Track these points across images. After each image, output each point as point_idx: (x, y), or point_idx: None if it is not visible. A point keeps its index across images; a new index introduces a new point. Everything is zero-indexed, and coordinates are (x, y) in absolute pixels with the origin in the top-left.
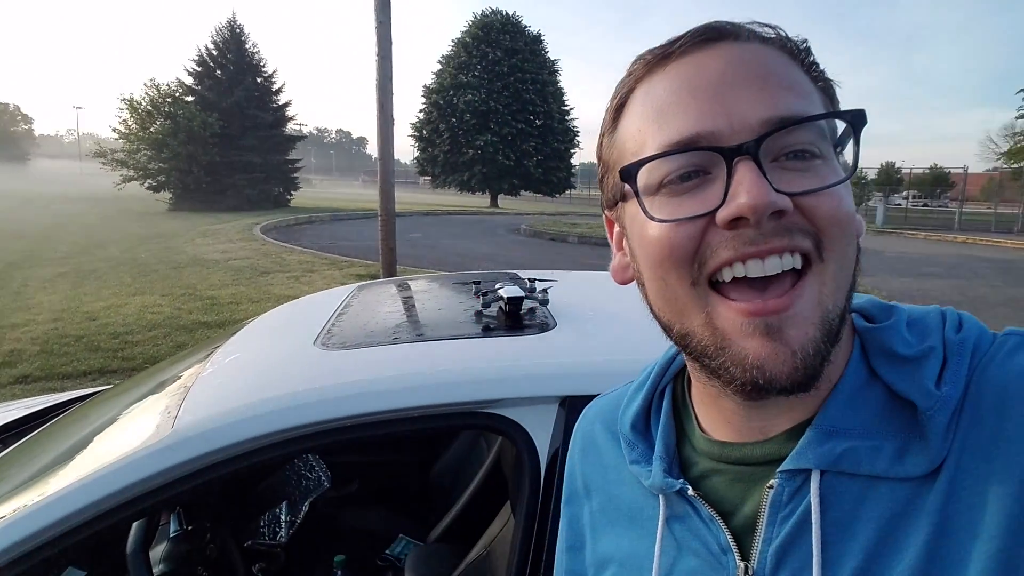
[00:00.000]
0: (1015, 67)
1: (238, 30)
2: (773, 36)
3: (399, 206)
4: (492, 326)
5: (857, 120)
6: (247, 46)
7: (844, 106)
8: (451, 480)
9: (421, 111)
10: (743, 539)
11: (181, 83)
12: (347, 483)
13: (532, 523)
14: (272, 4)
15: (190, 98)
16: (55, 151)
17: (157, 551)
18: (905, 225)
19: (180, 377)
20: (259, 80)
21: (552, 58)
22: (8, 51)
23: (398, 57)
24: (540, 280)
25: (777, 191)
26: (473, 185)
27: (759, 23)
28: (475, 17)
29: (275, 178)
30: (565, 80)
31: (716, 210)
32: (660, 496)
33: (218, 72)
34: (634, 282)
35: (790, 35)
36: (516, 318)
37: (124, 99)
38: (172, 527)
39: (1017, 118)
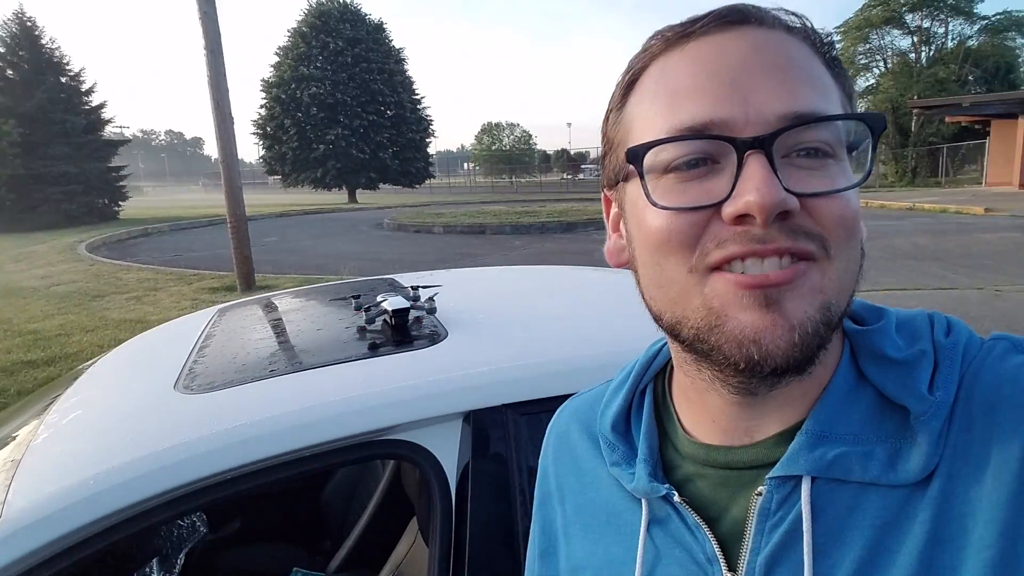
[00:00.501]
0: None
1: (29, 23)
2: (799, 26)
3: (249, 208)
4: (379, 343)
5: (875, 124)
6: (43, 42)
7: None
8: (344, 504)
9: (262, 107)
10: (729, 548)
11: None
12: (227, 523)
13: (448, 548)
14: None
15: None
16: None
17: None
18: None
19: (7, 445)
20: (63, 80)
21: (397, 47)
22: None
23: (230, 50)
24: (424, 287)
25: (787, 190)
26: (328, 181)
27: (785, 11)
28: (310, 6)
29: (97, 188)
30: (412, 69)
31: (721, 202)
32: (642, 500)
33: (9, 72)
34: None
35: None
36: (404, 332)
37: None
38: None
39: None
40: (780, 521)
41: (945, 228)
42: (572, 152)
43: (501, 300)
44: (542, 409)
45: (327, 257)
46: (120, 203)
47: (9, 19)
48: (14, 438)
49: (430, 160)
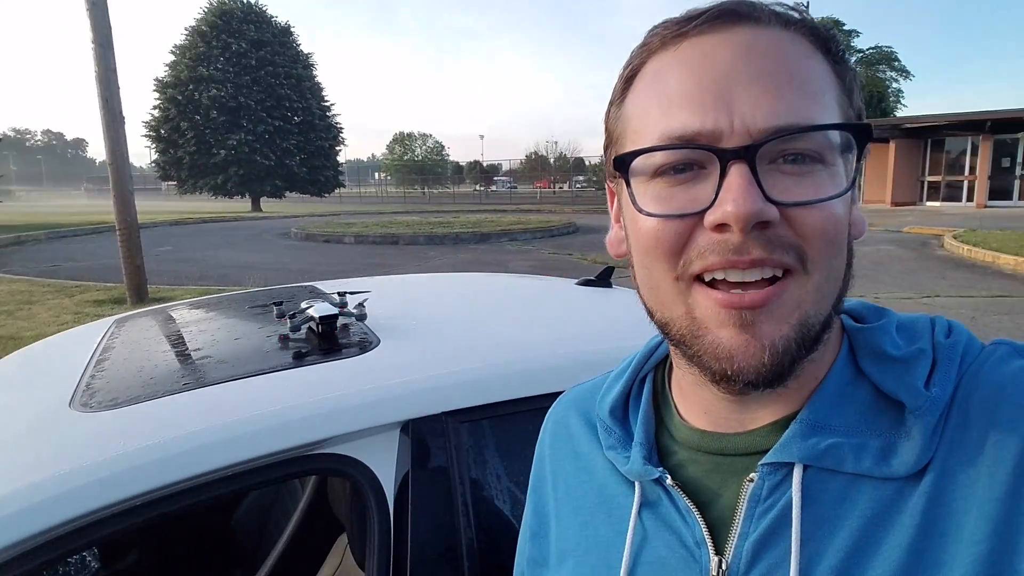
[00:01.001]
0: None
1: None
2: (797, 19)
3: (140, 216)
4: (305, 352)
5: (861, 134)
6: None
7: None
8: (258, 528)
9: (156, 107)
10: (718, 532)
11: None
12: (121, 556)
13: (387, 567)
14: None
15: None
16: None
17: None
18: None
19: None
20: None
21: (305, 51)
22: None
23: (121, 44)
24: (351, 292)
25: (768, 198)
26: (230, 189)
27: (783, 5)
28: (211, 4)
29: None
30: (322, 75)
31: (705, 210)
32: (636, 484)
33: None
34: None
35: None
36: (332, 340)
37: None
38: None
39: None
40: (770, 507)
41: None
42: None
43: (433, 306)
44: (484, 415)
45: (229, 267)
46: None
47: None
48: None
49: (340, 169)
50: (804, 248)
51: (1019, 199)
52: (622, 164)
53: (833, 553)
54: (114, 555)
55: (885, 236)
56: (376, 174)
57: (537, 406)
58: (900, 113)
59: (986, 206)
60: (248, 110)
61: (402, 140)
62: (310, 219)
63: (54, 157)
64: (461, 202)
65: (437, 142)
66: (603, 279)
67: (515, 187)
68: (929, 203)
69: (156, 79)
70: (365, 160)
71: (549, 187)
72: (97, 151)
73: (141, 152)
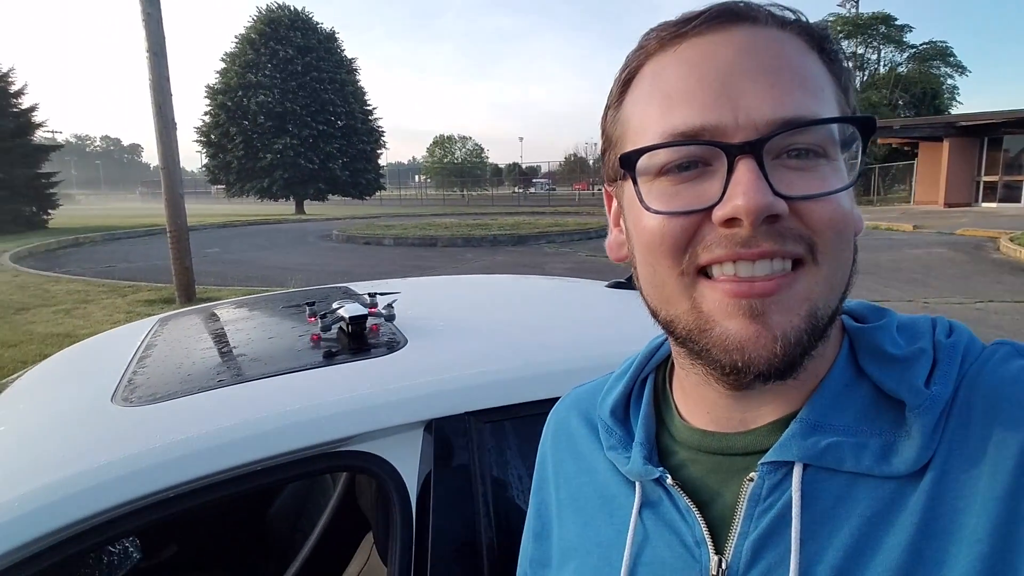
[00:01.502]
0: None
1: None
2: (793, 20)
3: (190, 219)
4: (335, 351)
5: (865, 127)
6: None
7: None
8: (292, 524)
9: (207, 114)
10: (718, 532)
11: None
12: (162, 548)
13: (408, 564)
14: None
15: None
16: None
17: None
18: None
19: None
20: None
21: (349, 56)
22: None
23: (174, 53)
24: (381, 293)
25: (776, 193)
26: (275, 192)
27: (779, 6)
28: (260, 12)
29: (24, 196)
30: (364, 79)
31: (712, 206)
32: (636, 484)
33: None
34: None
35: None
36: (361, 339)
37: None
38: None
39: None
40: (770, 507)
41: (877, 244)
42: (524, 166)
43: (460, 308)
44: (506, 416)
45: (273, 268)
46: (50, 211)
47: None
48: None
49: (381, 172)
50: (814, 239)
51: None
52: (628, 162)
53: (833, 552)
54: (155, 546)
55: (937, 238)
56: (416, 176)
57: None
58: (955, 110)
59: None
60: (294, 115)
61: (442, 143)
62: (351, 221)
63: (111, 162)
64: (500, 204)
65: (477, 144)
66: (633, 282)
67: (553, 189)
68: (985, 204)
69: (207, 86)
70: (406, 163)
71: (587, 189)
72: (151, 156)
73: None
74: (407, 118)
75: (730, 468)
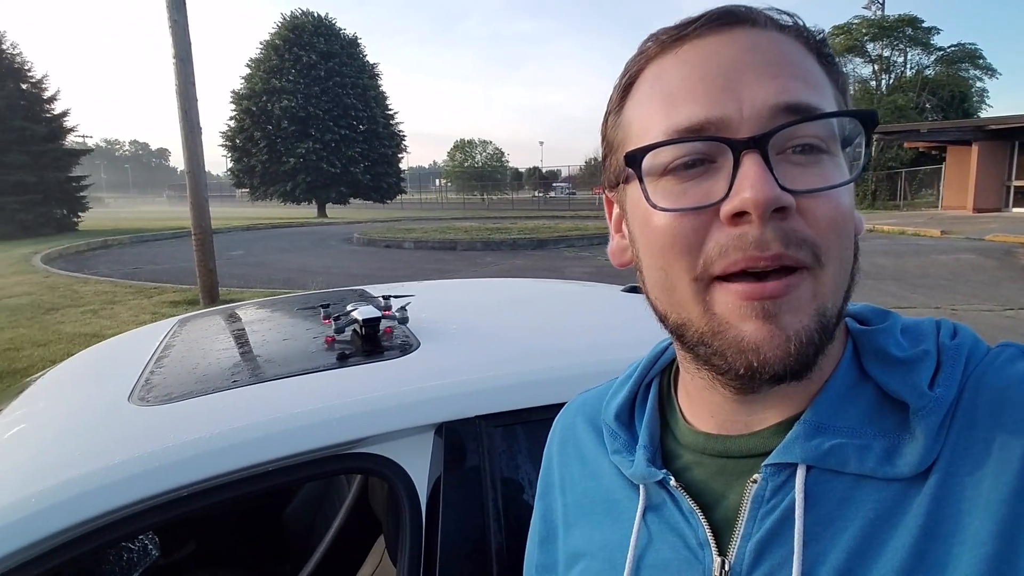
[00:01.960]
0: None
1: None
2: (790, 24)
3: (215, 222)
4: (348, 353)
5: (868, 120)
6: (4, 47)
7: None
8: (308, 523)
9: (232, 118)
10: (721, 533)
11: None
12: (180, 545)
13: (417, 566)
14: (39, 2)
15: None
16: None
17: None
18: None
19: None
20: (24, 87)
21: (371, 61)
22: None
23: (200, 60)
24: (395, 296)
25: (782, 187)
26: (297, 195)
27: (777, 10)
28: (284, 18)
29: (56, 199)
30: (386, 84)
31: (719, 202)
32: (640, 487)
33: None
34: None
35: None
36: (374, 342)
37: None
38: None
39: None
40: (773, 508)
41: (904, 249)
42: (544, 170)
43: (474, 311)
44: (517, 420)
45: (295, 271)
46: (80, 214)
47: None
48: None
49: (402, 175)
50: (817, 242)
51: None
52: (633, 160)
53: (836, 554)
54: (173, 544)
55: (965, 244)
56: (437, 180)
57: None
58: (984, 114)
59: None
60: (316, 120)
61: (463, 147)
62: (372, 225)
63: (140, 166)
64: (520, 208)
65: (497, 148)
66: None
67: (574, 193)
68: (1016, 209)
69: (233, 91)
70: (427, 167)
71: None
72: (178, 160)
73: (218, 160)
74: (428, 122)
75: (734, 470)
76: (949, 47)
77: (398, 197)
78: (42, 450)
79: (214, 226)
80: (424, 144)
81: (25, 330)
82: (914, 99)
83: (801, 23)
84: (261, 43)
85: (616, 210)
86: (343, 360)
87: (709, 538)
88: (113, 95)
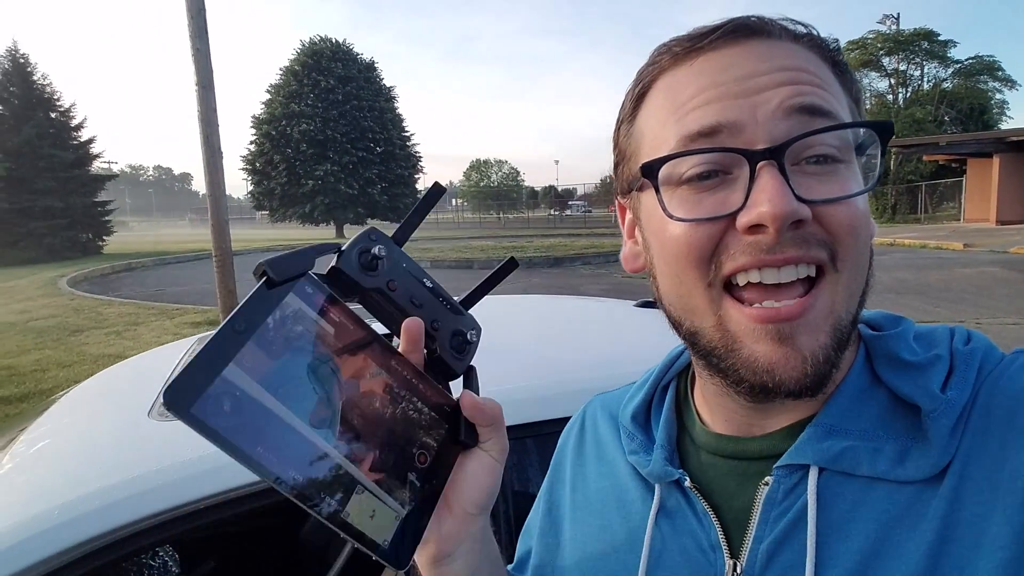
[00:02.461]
0: None
1: (22, 60)
2: (804, 34)
3: (236, 244)
4: None
5: (883, 131)
6: (35, 78)
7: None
8: (324, 541)
9: (252, 142)
10: (733, 535)
11: None
12: (201, 562)
13: None
14: (69, 33)
15: None
16: None
17: None
18: None
19: None
20: (53, 115)
21: (387, 84)
22: None
23: (221, 85)
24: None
25: (798, 199)
26: (316, 217)
27: (791, 20)
28: (303, 45)
29: (82, 223)
30: (402, 106)
31: (735, 212)
32: (656, 487)
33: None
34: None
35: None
36: None
37: None
38: None
39: None
40: (785, 510)
41: (925, 263)
42: (559, 188)
43: (485, 326)
44: (527, 434)
45: None
46: (105, 238)
47: (3, 56)
48: None
49: (418, 196)
50: (835, 245)
51: None
52: (650, 171)
53: (849, 556)
54: (192, 562)
55: (989, 257)
56: (453, 200)
57: None
58: (1005, 125)
59: None
60: (334, 142)
61: (478, 167)
62: None
63: (163, 190)
64: (536, 227)
65: (513, 168)
66: None
67: (590, 211)
68: None
69: (253, 116)
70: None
71: None
72: (200, 184)
73: (239, 184)
74: (444, 143)
75: (746, 472)
76: (967, 59)
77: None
78: (66, 463)
79: (234, 248)
80: (440, 164)
81: (51, 351)
82: (932, 112)
83: (815, 33)
84: (281, 69)
85: (629, 216)
86: None
87: (721, 540)
88: (138, 122)
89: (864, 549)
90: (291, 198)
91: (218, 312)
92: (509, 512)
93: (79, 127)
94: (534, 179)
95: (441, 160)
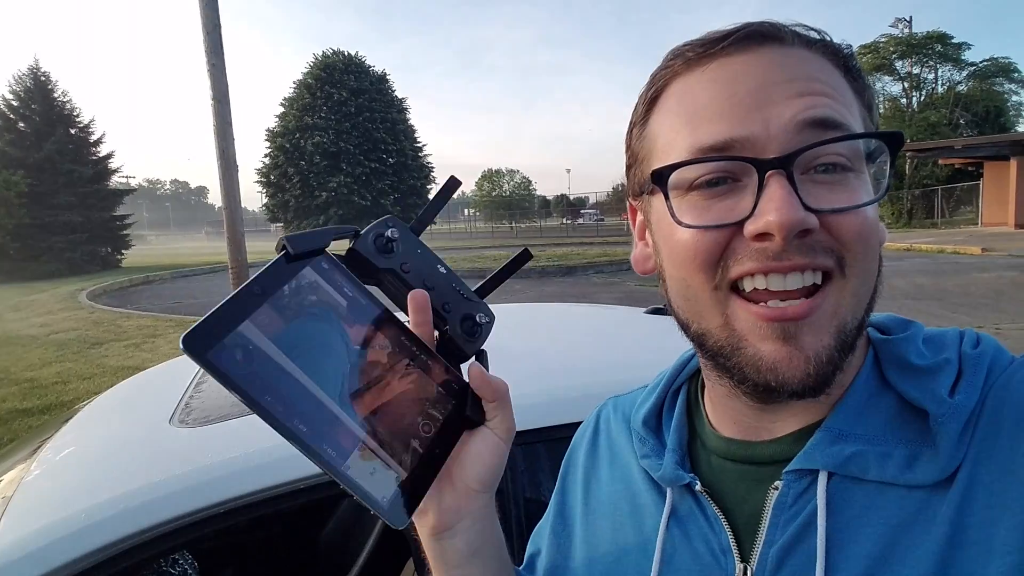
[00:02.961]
0: None
1: (43, 78)
2: (817, 40)
3: (251, 256)
4: None
5: (893, 142)
6: (55, 95)
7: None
8: (342, 546)
9: (266, 156)
10: (744, 539)
11: None
12: (219, 570)
13: None
14: (87, 50)
15: None
16: None
17: None
18: None
19: None
20: (72, 131)
21: (399, 96)
22: None
23: (236, 100)
24: None
25: (807, 207)
26: None
27: (804, 26)
28: (316, 58)
29: (101, 237)
30: (414, 117)
31: (743, 220)
32: (667, 490)
33: (21, 125)
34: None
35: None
36: None
37: None
38: None
39: None
40: (795, 515)
41: (943, 268)
42: (571, 197)
43: (497, 333)
44: (539, 439)
45: None
46: (123, 251)
47: (24, 74)
48: (7, 475)
49: None
50: (843, 252)
51: None
52: (660, 177)
53: (858, 561)
54: (211, 568)
55: (1008, 261)
56: (465, 210)
57: None
58: (1022, 128)
59: None
60: (347, 154)
61: (490, 176)
62: None
63: (180, 204)
64: (548, 235)
65: (524, 177)
66: None
67: (602, 219)
68: None
69: (267, 130)
70: (455, 197)
71: None
72: (216, 197)
73: (254, 197)
74: (456, 153)
75: (756, 476)
76: (981, 62)
77: (428, 228)
78: (90, 471)
79: (250, 260)
80: (452, 174)
81: (72, 364)
82: (947, 115)
83: (828, 38)
84: (294, 82)
85: (640, 218)
86: None
87: (732, 544)
88: (156, 136)
89: (873, 554)
90: (305, 210)
91: None
92: (521, 518)
93: (98, 143)
94: (546, 188)
95: (453, 170)
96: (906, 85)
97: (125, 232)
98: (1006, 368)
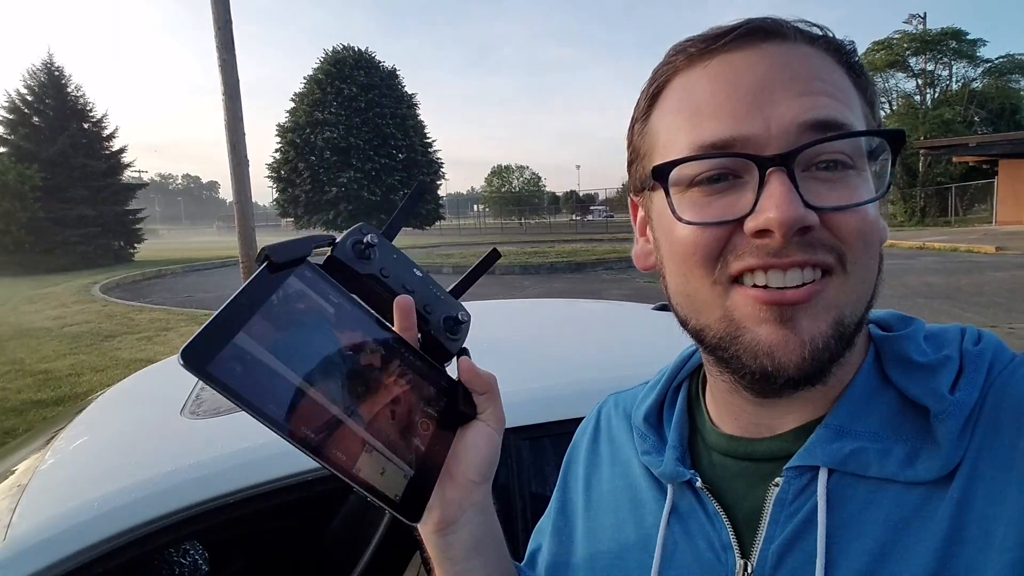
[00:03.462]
0: None
1: (56, 72)
2: (820, 36)
3: None
4: None
5: (896, 140)
6: (69, 89)
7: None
8: (350, 538)
9: (277, 151)
10: (744, 536)
11: None
12: (229, 562)
13: None
14: (101, 46)
15: (1, 149)
16: None
17: None
18: None
19: (12, 473)
20: (86, 126)
21: (409, 92)
22: None
23: (247, 95)
24: None
25: (807, 205)
26: (340, 224)
27: (806, 22)
28: (327, 54)
29: (114, 231)
30: (424, 113)
31: (744, 217)
32: (668, 487)
33: (35, 119)
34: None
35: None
36: None
37: None
38: None
39: None
40: (796, 512)
41: (956, 267)
42: (581, 194)
43: (504, 328)
44: (545, 433)
45: None
46: (136, 245)
47: (38, 69)
48: (22, 464)
49: (440, 202)
50: (843, 249)
51: None
52: (661, 174)
53: (858, 557)
54: (221, 560)
55: (1022, 260)
56: (475, 206)
57: None
58: None
59: None
60: (357, 149)
61: (500, 172)
62: (411, 251)
63: (192, 198)
64: (557, 232)
65: (534, 173)
66: None
67: (611, 216)
68: None
69: (278, 125)
70: (464, 193)
71: None
72: (227, 192)
73: (265, 191)
74: (466, 149)
75: (756, 473)
76: (997, 58)
77: (437, 223)
78: (102, 460)
79: None
80: (461, 171)
81: (85, 356)
82: (961, 112)
83: (830, 35)
84: (305, 78)
85: (641, 213)
86: None
87: (732, 541)
88: (164, 131)
89: (873, 550)
90: (315, 205)
91: None
92: (527, 512)
93: (111, 137)
94: (555, 184)
95: (463, 166)
96: (920, 82)
97: (138, 226)
98: (1007, 365)
